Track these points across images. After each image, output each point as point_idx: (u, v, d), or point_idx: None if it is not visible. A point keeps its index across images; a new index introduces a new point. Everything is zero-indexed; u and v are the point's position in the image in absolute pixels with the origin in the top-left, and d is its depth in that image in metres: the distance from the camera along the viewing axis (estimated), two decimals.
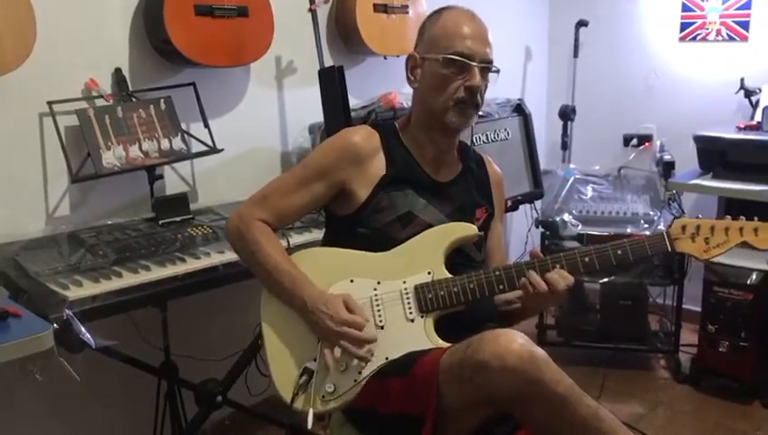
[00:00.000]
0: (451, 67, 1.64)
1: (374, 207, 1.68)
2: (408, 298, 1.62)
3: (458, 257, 1.69)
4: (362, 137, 1.71)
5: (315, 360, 1.59)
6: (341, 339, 1.54)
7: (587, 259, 1.59)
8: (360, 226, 1.69)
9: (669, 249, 1.59)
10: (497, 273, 1.61)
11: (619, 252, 1.59)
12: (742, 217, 1.59)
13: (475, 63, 1.63)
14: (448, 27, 1.67)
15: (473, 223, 1.72)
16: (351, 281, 1.64)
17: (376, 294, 1.63)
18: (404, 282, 1.63)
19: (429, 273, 1.63)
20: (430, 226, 1.68)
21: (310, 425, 1.53)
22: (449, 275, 1.63)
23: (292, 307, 1.62)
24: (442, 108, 1.67)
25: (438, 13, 1.73)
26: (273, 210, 1.70)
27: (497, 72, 1.69)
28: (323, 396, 1.56)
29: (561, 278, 1.56)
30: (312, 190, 1.69)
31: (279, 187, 1.73)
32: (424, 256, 1.65)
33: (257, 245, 1.66)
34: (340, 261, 1.68)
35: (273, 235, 1.70)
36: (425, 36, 1.72)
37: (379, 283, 1.64)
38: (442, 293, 1.60)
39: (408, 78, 1.75)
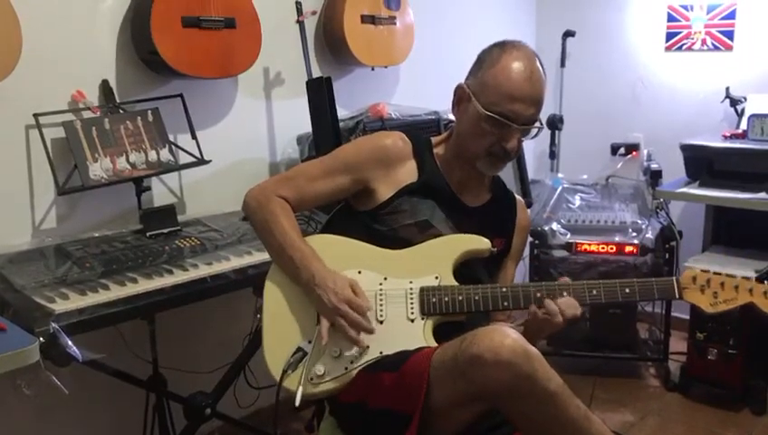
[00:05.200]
0: (491, 123, 1.64)
1: (393, 208, 1.71)
2: (412, 298, 1.63)
3: (465, 271, 1.69)
4: (393, 141, 1.75)
5: (311, 342, 1.60)
6: (340, 317, 1.55)
7: (594, 291, 1.60)
8: (376, 223, 1.71)
9: (677, 296, 1.60)
10: (503, 290, 1.62)
11: (627, 290, 1.60)
12: (754, 278, 1.57)
13: (516, 126, 1.63)
14: (501, 81, 1.62)
15: None
16: (359, 272, 1.65)
17: (381, 289, 1.64)
18: (410, 282, 1.64)
19: (437, 277, 1.64)
20: None
21: (298, 403, 1.53)
22: (456, 284, 1.64)
23: (299, 282, 1.63)
24: (474, 154, 1.70)
25: (500, 51, 1.66)
26: (295, 191, 1.73)
27: (540, 127, 1.70)
28: (312, 378, 1.57)
29: (571, 307, 1.56)
30: (336, 181, 1.73)
31: (305, 171, 1.78)
32: (434, 260, 1.66)
33: (274, 216, 1.68)
34: (351, 251, 1.69)
35: (291, 212, 1.72)
36: (478, 73, 1.68)
37: (385, 278, 1.65)
38: (446, 299, 1.61)
39: (452, 106, 1.75)
